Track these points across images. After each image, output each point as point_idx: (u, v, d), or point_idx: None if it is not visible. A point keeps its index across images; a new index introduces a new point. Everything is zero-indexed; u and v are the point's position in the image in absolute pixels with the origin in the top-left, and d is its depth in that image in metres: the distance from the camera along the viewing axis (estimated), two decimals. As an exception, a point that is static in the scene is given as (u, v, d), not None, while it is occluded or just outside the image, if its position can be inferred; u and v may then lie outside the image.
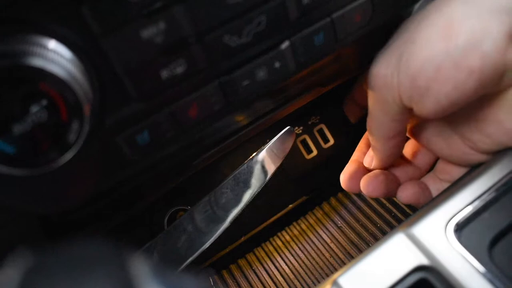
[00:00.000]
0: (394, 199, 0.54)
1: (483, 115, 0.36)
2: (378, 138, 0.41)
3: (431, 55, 0.32)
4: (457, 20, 0.32)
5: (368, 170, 0.46)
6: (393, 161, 0.44)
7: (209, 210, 0.44)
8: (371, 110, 0.40)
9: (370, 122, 0.41)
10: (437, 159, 0.45)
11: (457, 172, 0.41)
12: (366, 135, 0.49)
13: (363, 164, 0.47)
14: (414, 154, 0.46)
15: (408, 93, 0.35)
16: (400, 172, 0.45)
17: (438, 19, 0.33)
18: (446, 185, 0.42)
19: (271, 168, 0.44)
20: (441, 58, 0.32)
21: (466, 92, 0.32)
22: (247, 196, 0.44)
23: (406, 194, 0.42)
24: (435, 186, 0.43)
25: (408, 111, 0.37)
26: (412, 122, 0.43)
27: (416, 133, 0.43)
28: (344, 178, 0.47)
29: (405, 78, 0.34)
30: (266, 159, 0.44)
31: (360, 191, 0.45)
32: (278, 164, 0.44)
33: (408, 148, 0.46)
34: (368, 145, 0.47)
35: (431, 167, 0.45)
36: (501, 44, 0.30)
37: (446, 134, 0.40)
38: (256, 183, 0.44)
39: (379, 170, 0.44)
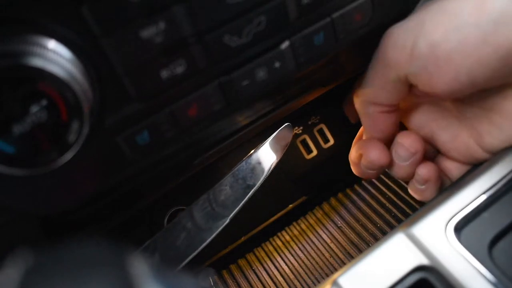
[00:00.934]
0: (394, 199, 0.54)
1: (495, 105, 0.35)
2: (363, 102, 0.40)
3: (459, 24, 0.31)
4: None
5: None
6: (379, 134, 0.43)
7: (208, 207, 0.44)
8: (368, 72, 0.38)
9: (363, 83, 0.40)
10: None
11: (457, 170, 0.41)
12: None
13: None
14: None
15: (422, 61, 0.33)
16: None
17: None
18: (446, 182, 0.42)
19: (269, 165, 0.44)
20: (469, 29, 0.31)
21: (488, 70, 0.31)
22: (246, 193, 0.44)
23: (427, 169, 0.40)
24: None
25: (404, 87, 0.36)
26: (416, 114, 0.42)
27: (419, 124, 0.42)
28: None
29: (424, 44, 0.33)
30: (264, 156, 0.44)
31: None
32: (276, 161, 0.44)
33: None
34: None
35: None
36: None
37: (453, 126, 0.39)
38: (255, 179, 0.44)
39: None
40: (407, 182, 0.44)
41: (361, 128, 0.47)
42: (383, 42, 0.36)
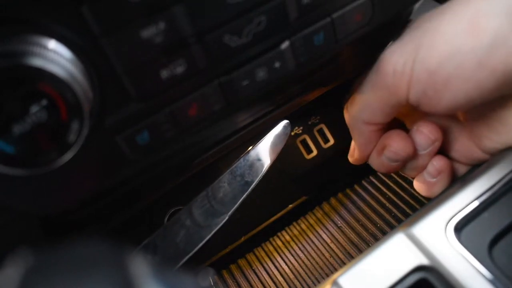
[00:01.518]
0: (394, 199, 0.54)
1: (494, 113, 0.35)
2: (357, 121, 0.40)
3: (455, 50, 0.31)
4: (484, 16, 0.31)
5: None
6: (369, 152, 0.43)
7: (207, 204, 0.44)
8: (363, 91, 0.38)
9: (355, 102, 0.39)
10: None
11: (458, 170, 0.41)
12: None
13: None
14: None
15: (421, 86, 0.34)
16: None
17: (464, 14, 0.32)
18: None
19: (267, 161, 0.44)
20: (464, 54, 0.31)
21: (485, 92, 0.32)
22: (244, 190, 0.44)
23: (443, 160, 0.40)
24: None
25: (402, 106, 0.36)
26: (416, 117, 0.43)
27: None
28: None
29: (422, 70, 0.33)
30: (262, 152, 0.44)
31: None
32: (274, 157, 0.44)
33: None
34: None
35: None
36: None
37: (454, 129, 0.40)
38: (253, 176, 0.44)
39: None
40: (412, 178, 0.44)
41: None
42: (381, 68, 0.36)
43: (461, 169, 0.41)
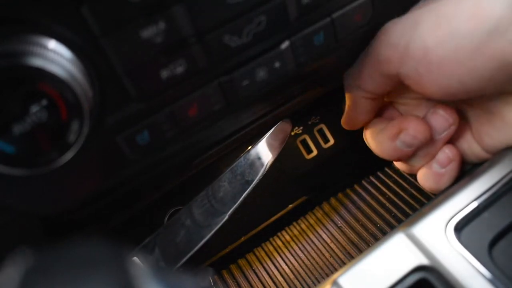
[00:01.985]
0: (394, 199, 0.54)
1: (496, 109, 0.35)
2: (347, 83, 0.41)
3: (454, 32, 0.31)
4: (489, 2, 0.30)
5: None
6: (358, 120, 0.43)
7: (207, 204, 0.44)
8: (360, 57, 0.38)
9: (353, 68, 0.40)
10: None
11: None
12: None
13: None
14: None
15: (414, 63, 0.33)
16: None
17: None
18: None
19: (268, 160, 0.44)
20: (463, 37, 0.31)
21: (480, 79, 0.31)
22: (245, 189, 0.43)
23: (454, 148, 0.39)
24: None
25: (393, 79, 0.36)
26: (419, 112, 0.42)
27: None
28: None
29: (418, 47, 0.33)
30: (263, 151, 0.44)
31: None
32: (275, 156, 0.44)
33: None
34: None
35: None
36: None
37: (458, 126, 0.39)
38: (253, 175, 0.43)
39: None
40: (415, 173, 0.43)
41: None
42: (377, 37, 0.36)
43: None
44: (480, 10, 0.30)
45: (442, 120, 0.38)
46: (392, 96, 0.43)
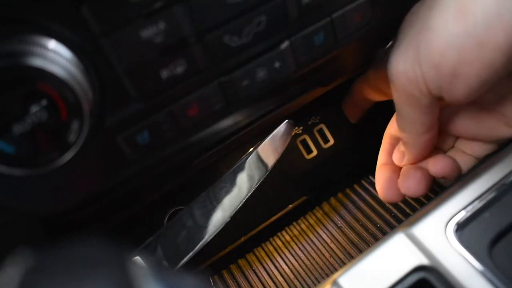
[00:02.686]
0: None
1: None
2: (411, 135, 0.40)
3: (451, 39, 0.31)
4: (469, 0, 0.30)
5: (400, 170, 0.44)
6: (427, 154, 0.43)
7: (208, 205, 0.44)
8: (399, 109, 0.38)
9: (401, 121, 0.39)
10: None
11: (482, 148, 0.41)
12: (389, 134, 0.47)
13: (395, 166, 0.45)
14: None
15: (435, 83, 0.34)
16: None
17: (449, 2, 0.32)
18: (472, 160, 0.41)
19: (270, 162, 0.44)
20: (461, 39, 0.31)
21: (495, 69, 0.31)
22: (246, 190, 0.43)
23: (439, 166, 0.41)
24: (462, 160, 0.42)
25: (437, 101, 0.36)
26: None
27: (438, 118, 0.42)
28: (382, 189, 0.44)
29: (429, 68, 0.33)
30: (265, 153, 0.44)
31: (402, 197, 0.44)
32: (277, 158, 0.44)
33: None
34: (393, 144, 0.46)
35: None
36: None
37: (474, 113, 0.39)
38: (255, 176, 0.43)
39: (412, 168, 0.43)
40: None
41: (385, 137, 0.47)
42: (396, 82, 0.36)
43: (484, 148, 0.41)
44: (464, 9, 0.31)
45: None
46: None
